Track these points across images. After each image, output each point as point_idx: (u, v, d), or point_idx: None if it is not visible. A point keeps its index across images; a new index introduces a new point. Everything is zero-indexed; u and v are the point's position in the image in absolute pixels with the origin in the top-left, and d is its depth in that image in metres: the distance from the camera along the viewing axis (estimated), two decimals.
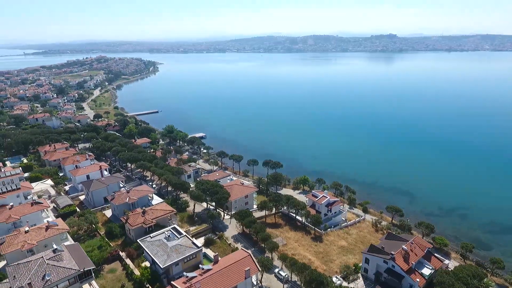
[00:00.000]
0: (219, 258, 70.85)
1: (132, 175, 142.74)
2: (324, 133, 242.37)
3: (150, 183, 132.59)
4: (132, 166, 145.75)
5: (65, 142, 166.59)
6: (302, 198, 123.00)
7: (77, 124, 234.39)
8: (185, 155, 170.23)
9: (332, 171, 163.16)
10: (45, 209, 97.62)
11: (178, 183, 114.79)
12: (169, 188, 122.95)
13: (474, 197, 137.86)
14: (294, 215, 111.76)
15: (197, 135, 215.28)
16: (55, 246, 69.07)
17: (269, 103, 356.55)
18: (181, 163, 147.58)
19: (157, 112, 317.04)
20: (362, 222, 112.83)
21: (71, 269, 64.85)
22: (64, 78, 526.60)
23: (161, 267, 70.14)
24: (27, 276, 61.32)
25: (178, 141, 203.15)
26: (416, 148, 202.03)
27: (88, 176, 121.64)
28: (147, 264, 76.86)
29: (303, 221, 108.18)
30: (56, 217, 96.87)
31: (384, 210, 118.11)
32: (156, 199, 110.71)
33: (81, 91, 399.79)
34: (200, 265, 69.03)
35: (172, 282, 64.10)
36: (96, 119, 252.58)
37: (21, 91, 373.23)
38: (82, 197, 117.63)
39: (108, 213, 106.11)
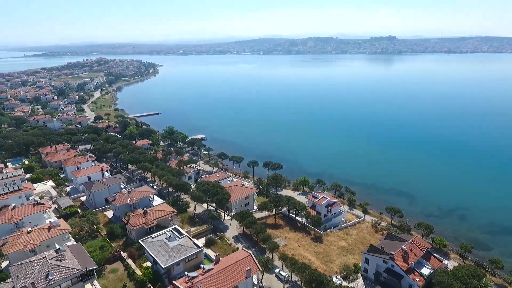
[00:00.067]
0: (220, 258, 71.46)
1: (133, 176, 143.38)
2: (324, 133, 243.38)
3: (151, 184, 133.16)
4: (133, 168, 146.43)
5: (66, 143, 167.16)
6: (302, 199, 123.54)
7: (77, 125, 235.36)
8: (186, 157, 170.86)
9: (332, 172, 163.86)
10: (47, 210, 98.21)
11: (178, 184, 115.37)
12: (170, 189, 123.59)
13: (473, 198, 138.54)
14: (294, 216, 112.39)
15: (198, 136, 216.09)
16: (57, 246, 69.60)
17: (269, 105, 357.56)
18: (181, 164, 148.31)
19: (158, 113, 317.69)
20: (362, 223, 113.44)
21: (74, 268, 65.40)
22: (65, 80, 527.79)
23: (163, 267, 70.74)
24: (30, 276, 61.88)
25: (178, 142, 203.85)
26: (416, 148, 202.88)
27: (89, 177, 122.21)
28: (149, 264, 77.43)
29: (303, 222, 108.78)
30: (58, 217, 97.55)
31: (383, 211, 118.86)
32: (157, 200, 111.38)
33: (82, 93, 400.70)
34: (201, 265, 69.61)
35: (173, 282, 64.63)
36: (96, 121, 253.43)
37: (21, 93, 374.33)
38: (83, 198, 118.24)
39: (109, 214, 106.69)
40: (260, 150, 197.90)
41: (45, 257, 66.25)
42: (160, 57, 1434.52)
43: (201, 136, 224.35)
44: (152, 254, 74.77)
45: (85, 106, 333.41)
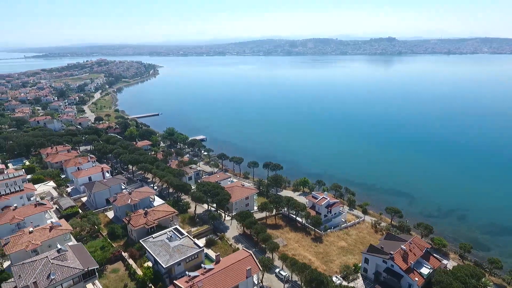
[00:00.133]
0: (221, 258, 71.89)
1: (133, 177, 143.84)
2: (324, 134, 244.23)
3: (152, 185, 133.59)
4: (134, 168, 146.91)
5: (66, 144, 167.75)
6: (302, 199, 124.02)
7: (78, 126, 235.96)
8: (186, 157, 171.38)
9: (332, 173, 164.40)
10: (48, 211, 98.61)
11: (179, 185, 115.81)
12: (171, 190, 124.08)
13: (473, 198, 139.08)
14: (295, 216, 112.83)
15: (198, 137, 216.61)
16: (59, 246, 70.02)
17: (269, 105, 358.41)
18: (182, 165, 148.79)
19: (158, 114, 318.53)
20: (362, 223, 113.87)
21: (75, 268, 65.83)
22: (65, 81, 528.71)
23: (164, 267, 71.16)
24: (32, 275, 62.31)
25: (178, 143, 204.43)
26: (415, 149, 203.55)
27: (90, 178, 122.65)
28: (150, 264, 77.78)
29: (303, 222, 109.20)
30: (59, 218, 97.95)
31: (383, 211, 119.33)
32: (158, 201, 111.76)
33: (82, 94, 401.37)
34: (202, 265, 70.04)
35: (174, 281, 65.03)
36: (97, 122, 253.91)
37: (22, 94, 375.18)
38: (84, 199, 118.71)
39: (110, 214, 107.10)
40: (260, 151, 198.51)
41: (47, 257, 66.69)
42: (160, 58, 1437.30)
43: (201, 137, 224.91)
44: (153, 254, 75.18)
45: (85, 107, 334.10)
